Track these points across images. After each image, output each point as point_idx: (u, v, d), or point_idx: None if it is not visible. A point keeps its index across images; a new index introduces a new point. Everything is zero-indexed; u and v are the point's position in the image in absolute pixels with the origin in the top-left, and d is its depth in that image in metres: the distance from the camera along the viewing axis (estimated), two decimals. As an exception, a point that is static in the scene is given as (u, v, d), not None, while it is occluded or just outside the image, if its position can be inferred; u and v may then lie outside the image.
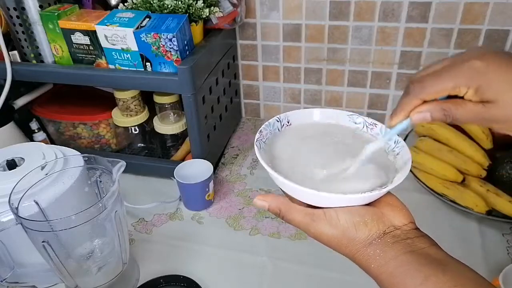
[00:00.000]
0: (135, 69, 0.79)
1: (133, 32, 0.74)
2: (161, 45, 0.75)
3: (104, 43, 0.77)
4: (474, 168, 0.78)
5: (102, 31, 0.76)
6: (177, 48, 0.75)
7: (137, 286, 0.65)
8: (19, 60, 0.85)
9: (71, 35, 0.79)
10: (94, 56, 0.80)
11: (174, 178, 0.79)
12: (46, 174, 0.59)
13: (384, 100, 1.01)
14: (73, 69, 0.82)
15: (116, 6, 0.87)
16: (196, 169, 0.81)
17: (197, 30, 0.83)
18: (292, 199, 0.41)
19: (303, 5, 0.94)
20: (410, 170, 0.45)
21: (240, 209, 0.82)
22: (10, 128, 0.88)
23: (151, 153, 0.96)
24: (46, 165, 0.61)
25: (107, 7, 0.88)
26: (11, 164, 0.65)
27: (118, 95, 0.87)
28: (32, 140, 0.95)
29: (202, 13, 0.81)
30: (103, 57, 0.80)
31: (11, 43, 0.85)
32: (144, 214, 0.81)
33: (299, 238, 0.74)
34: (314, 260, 0.69)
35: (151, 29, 0.74)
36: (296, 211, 0.40)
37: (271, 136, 0.46)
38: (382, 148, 0.40)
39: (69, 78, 0.83)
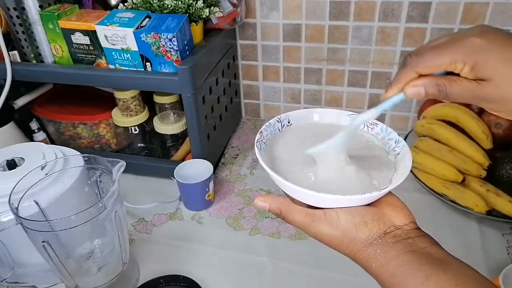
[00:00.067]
0: (135, 69, 0.79)
1: (133, 32, 0.74)
2: (161, 45, 0.75)
3: (104, 43, 0.77)
4: (474, 168, 0.78)
5: (102, 31, 0.76)
6: (177, 48, 0.75)
7: (137, 286, 0.65)
8: (19, 60, 0.85)
9: (71, 35, 0.79)
10: (94, 56, 0.80)
11: (174, 178, 0.79)
12: (46, 174, 0.59)
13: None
14: (73, 69, 0.82)
15: (116, 6, 0.87)
16: (196, 169, 0.81)
17: (197, 30, 0.83)
18: (292, 200, 0.41)
19: (303, 5, 0.93)
20: (410, 170, 0.45)
21: (240, 209, 0.82)
22: (10, 128, 0.88)
23: (151, 153, 0.96)
24: (46, 165, 0.61)
25: (107, 7, 0.88)
26: (11, 164, 0.65)
27: (118, 95, 0.87)
28: (32, 140, 0.95)
29: (202, 13, 0.81)
30: (103, 57, 0.80)
31: (11, 43, 0.85)
32: (144, 214, 0.81)
33: (299, 238, 0.74)
34: (314, 260, 0.69)
35: (151, 29, 0.74)
36: (297, 212, 0.39)
37: (272, 136, 0.46)
38: (373, 117, 0.40)
39: (69, 78, 0.83)
